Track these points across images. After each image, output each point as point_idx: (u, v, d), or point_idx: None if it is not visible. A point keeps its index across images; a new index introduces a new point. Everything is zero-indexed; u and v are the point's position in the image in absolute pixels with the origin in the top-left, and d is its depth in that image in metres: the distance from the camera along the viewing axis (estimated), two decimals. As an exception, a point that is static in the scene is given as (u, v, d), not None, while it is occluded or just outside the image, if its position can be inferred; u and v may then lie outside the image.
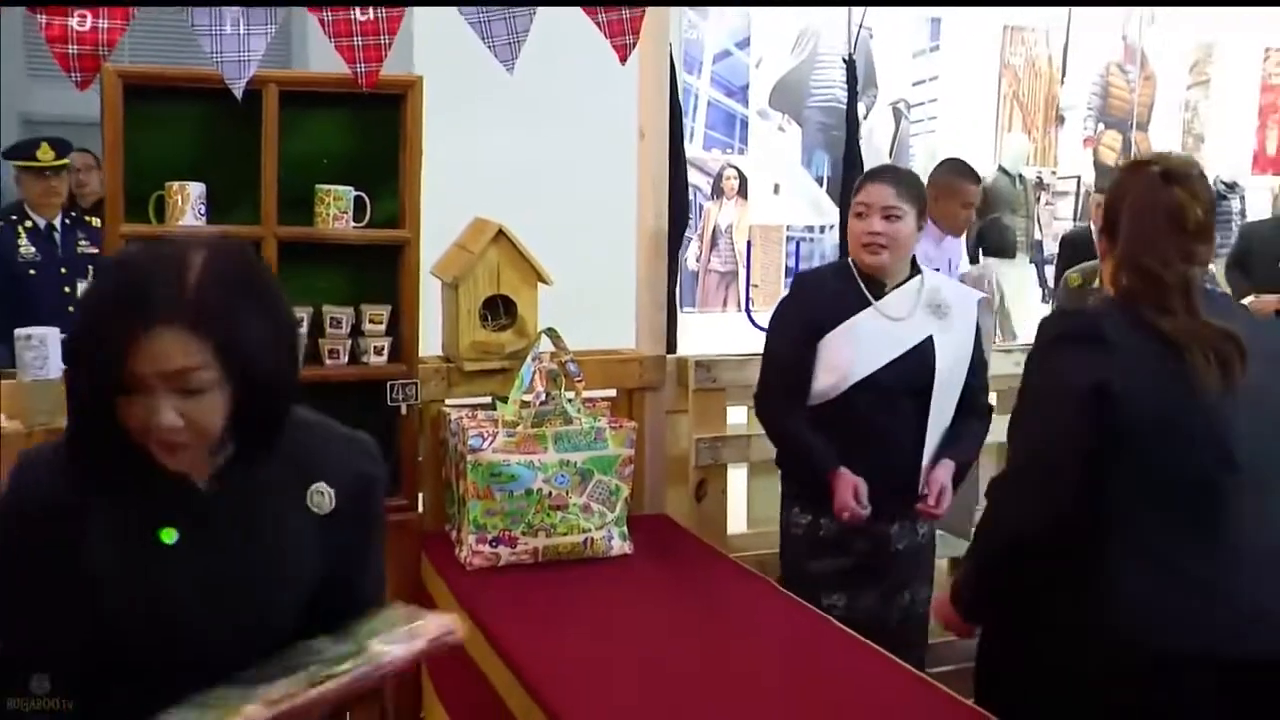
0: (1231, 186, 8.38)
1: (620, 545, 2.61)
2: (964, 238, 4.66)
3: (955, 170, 4.31)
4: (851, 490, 2.53)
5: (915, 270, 2.71)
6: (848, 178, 4.21)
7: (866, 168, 3.35)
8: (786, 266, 7.66)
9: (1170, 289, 1.86)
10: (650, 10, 2.70)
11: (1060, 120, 8.26)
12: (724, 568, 2.62)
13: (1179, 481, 1.84)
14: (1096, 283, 4.40)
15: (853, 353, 2.61)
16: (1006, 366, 3.48)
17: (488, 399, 2.79)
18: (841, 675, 2.04)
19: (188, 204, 2.49)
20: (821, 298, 2.69)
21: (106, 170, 2.48)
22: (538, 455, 2.52)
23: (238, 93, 2.37)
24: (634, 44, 2.64)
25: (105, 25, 2.34)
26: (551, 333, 2.71)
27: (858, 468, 2.56)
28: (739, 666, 2.06)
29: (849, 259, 2.74)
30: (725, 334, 5.87)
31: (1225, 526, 1.82)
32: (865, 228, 2.62)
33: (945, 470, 2.62)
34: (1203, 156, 8.76)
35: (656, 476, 3.02)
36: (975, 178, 4.35)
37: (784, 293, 3.01)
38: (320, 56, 3.58)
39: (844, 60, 4.14)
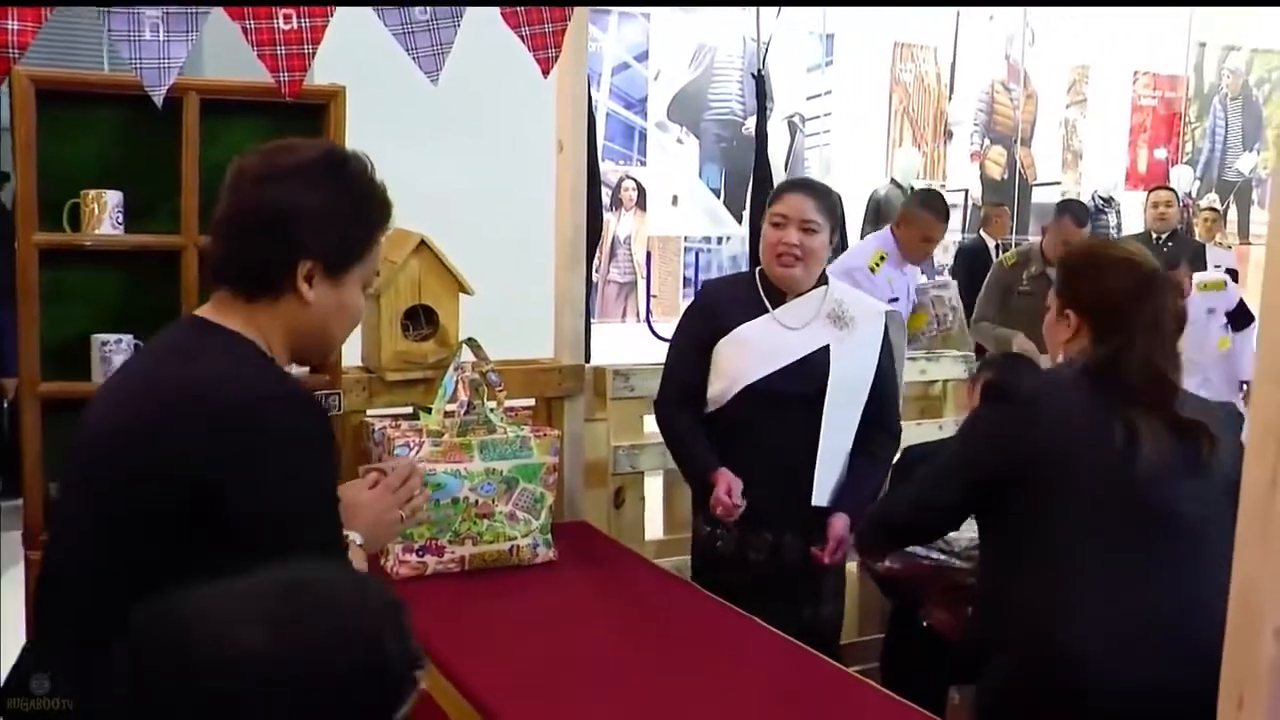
0: (1108, 201, 8.78)
1: (545, 552, 2.65)
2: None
3: (924, 203, 4.40)
4: (726, 487, 2.51)
5: (822, 281, 2.70)
6: (759, 190, 4.30)
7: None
8: (685, 277, 7.78)
9: (1173, 388, 1.99)
10: (570, 23, 2.75)
11: (949, 135, 8.57)
12: (647, 573, 2.67)
13: (1107, 517, 1.94)
14: (1033, 267, 4.71)
15: (743, 359, 2.62)
16: (912, 375, 3.63)
17: (409, 409, 2.80)
18: (771, 674, 2.11)
19: (104, 212, 2.45)
20: (721, 306, 2.69)
21: (18, 177, 2.42)
22: (464, 464, 2.54)
23: (158, 100, 2.35)
24: (557, 56, 2.69)
25: (15, 26, 2.29)
26: (472, 342, 2.74)
27: (747, 474, 2.54)
28: (670, 667, 2.11)
29: (756, 269, 2.74)
30: (625, 344, 5.94)
31: (1159, 562, 1.90)
32: (781, 238, 2.60)
33: (842, 522, 2.59)
34: (1081, 172, 9.19)
35: (575, 484, 3.06)
36: (943, 215, 4.40)
37: (683, 302, 3.05)
38: (216, 65, 3.53)
39: (753, 75, 4.23)
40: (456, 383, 2.62)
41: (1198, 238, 7.70)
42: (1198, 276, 5.54)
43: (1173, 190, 7.25)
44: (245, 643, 0.96)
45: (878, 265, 4.31)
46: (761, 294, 2.67)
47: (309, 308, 1.51)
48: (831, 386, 2.60)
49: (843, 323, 2.65)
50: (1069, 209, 4.85)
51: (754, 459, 2.56)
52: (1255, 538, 1.30)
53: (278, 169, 1.50)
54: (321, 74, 2.61)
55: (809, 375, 2.60)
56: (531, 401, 3.00)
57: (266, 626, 0.98)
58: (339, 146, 1.57)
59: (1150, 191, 7.25)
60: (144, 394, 1.45)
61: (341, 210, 1.51)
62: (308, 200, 1.48)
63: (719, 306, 2.70)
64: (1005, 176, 8.78)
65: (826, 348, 2.62)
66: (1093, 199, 8.42)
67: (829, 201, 2.67)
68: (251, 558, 1.37)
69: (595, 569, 2.69)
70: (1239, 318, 5.49)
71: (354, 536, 1.63)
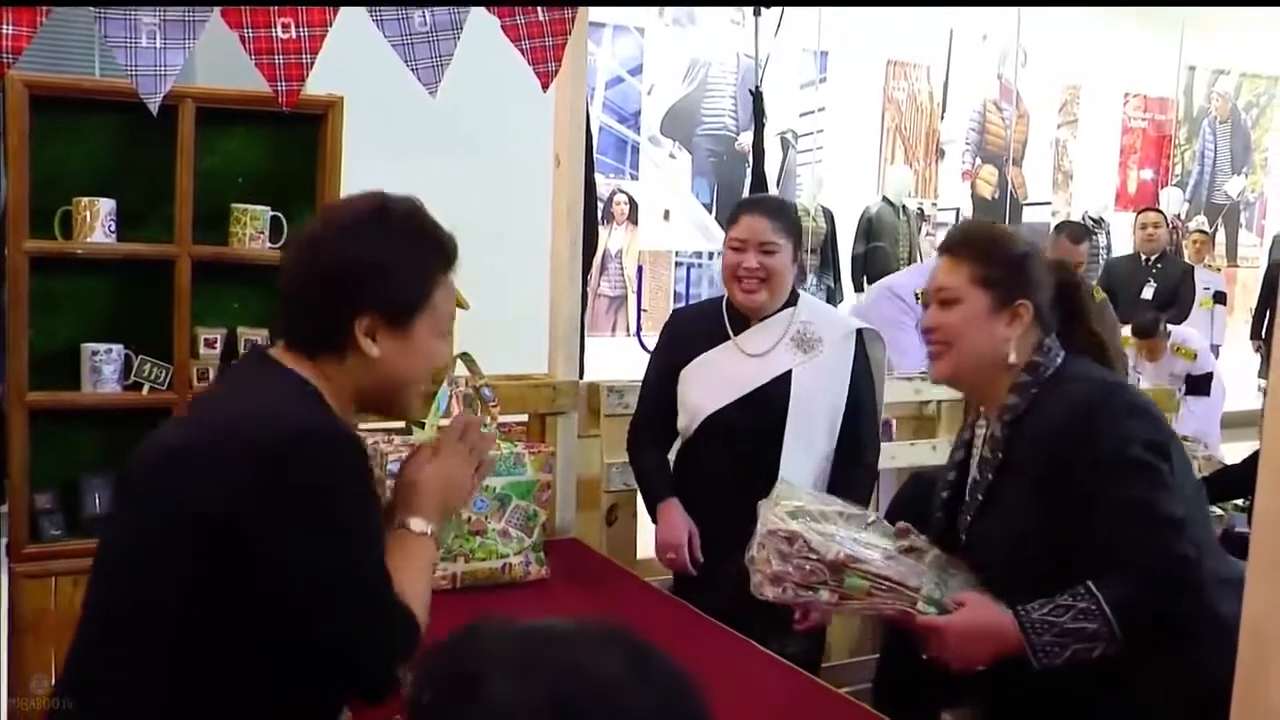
0: (1098, 222, 8.81)
1: (537, 570, 2.62)
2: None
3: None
4: (677, 530, 2.50)
5: (791, 301, 2.61)
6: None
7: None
8: (676, 291, 7.77)
9: None
10: (570, 37, 2.74)
11: (940, 154, 8.58)
12: (641, 592, 2.65)
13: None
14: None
15: (702, 390, 2.58)
16: (906, 395, 3.61)
17: (402, 424, 2.77)
18: (761, 695, 2.09)
19: (97, 220, 2.43)
20: (688, 334, 2.66)
21: (10, 183, 2.40)
22: (457, 480, 2.51)
23: (153, 108, 2.33)
24: (556, 70, 2.67)
25: (10, 31, 2.27)
26: (466, 357, 2.71)
27: (711, 505, 2.50)
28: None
29: (725, 294, 2.67)
30: (615, 358, 5.92)
31: None
32: (741, 261, 2.52)
33: None
34: (1072, 193, 9.23)
35: (568, 501, 3.03)
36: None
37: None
38: (209, 73, 3.50)
39: (751, 92, 4.23)
40: (450, 397, 2.59)
41: (1186, 260, 7.73)
42: (1174, 338, 5.58)
43: (1161, 212, 7.28)
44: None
45: (923, 296, 4.26)
46: (726, 320, 2.61)
47: (377, 362, 1.48)
48: (792, 416, 2.51)
49: (808, 344, 2.56)
50: (1065, 227, 4.97)
51: (717, 491, 2.51)
52: (1266, 572, 1.28)
53: (323, 228, 1.50)
54: (319, 84, 2.59)
55: (769, 405, 2.52)
56: (525, 417, 2.98)
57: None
58: (384, 195, 1.52)
59: (1139, 213, 7.28)
60: (195, 421, 1.47)
61: (390, 260, 1.47)
62: (353, 255, 1.46)
63: (685, 337, 2.66)
64: (996, 196, 8.79)
65: (788, 374, 2.54)
66: (1083, 219, 8.44)
67: (787, 219, 2.58)
68: (271, 594, 1.37)
69: (587, 587, 2.66)
70: (1198, 383, 5.52)
71: (419, 526, 1.56)
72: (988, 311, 1.88)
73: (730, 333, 2.60)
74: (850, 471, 2.57)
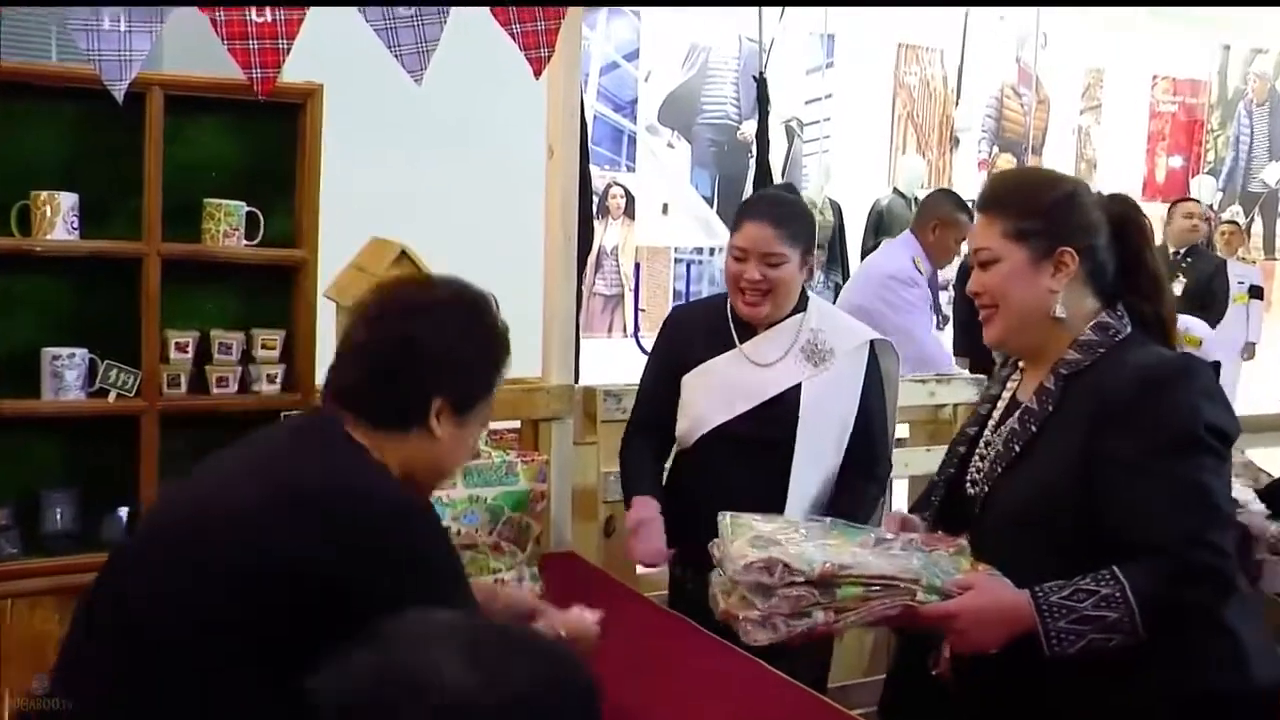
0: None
1: (532, 586, 2.61)
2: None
3: (960, 206, 4.49)
4: (649, 530, 2.51)
5: (800, 306, 2.61)
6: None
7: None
8: (675, 289, 7.78)
9: None
10: (564, 22, 2.73)
11: (955, 142, 8.59)
12: (640, 607, 2.64)
13: None
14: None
15: (707, 399, 2.58)
16: (920, 398, 3.61)
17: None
18: (765, 712, 2.09)
19: (58, 215, 2.41)
20: (690, 335, 2.66)
21: (-35, 177, 2.39)
22: (445, 491, 2.50)
23: (118, 95, 2.31)
24: (549, 56, 2.67)
25: (-37, 18, 2.27)
26: (454, 360, 2.71)
27: (711, 520, 2.35)
28: (663, 704, 2.09)
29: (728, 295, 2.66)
30: (611, 359, 5.93)
31: None
32: (742, 273, 2.51)
33: None
34: (1096, 182, 9.23)
35: (563, 512, 3.03)
36: (971, 213, 4.50)
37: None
38: (176, 59, 3.50)
39: (754, 78, 4.24)
40: (438, 403, 2.59)
41: (1218, 252, 7.72)
42: (1180, 327, 5.55)
43: (1199, 202, 7.26)
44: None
45: (923, 266, 4.38)
46: (731, 325, 2.61)
47: (436, 444, 1.65)
48: (802, 430, 2.53)
49: (819, 356, 2.57)
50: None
51: (718, 504, 2.37)
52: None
53: (416, 305, 1.67)
54: (296, 71, 2.58)
55: (778, 418, 2.53)
56: (517, 424, 2.98)
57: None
58: (471, 286, 1.71)
59: (1177, 203, 7.25)
60: (269, 480, 1.55)
61: (474, 352, 1.67)
62: (444, 340, 1.63)
63: (686, 338, 2.66)
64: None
65: (798, 387, 2.55)
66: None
67: (795, 225, 2.54)
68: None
69: (586, 604, 2.65)
70: None
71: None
72: (1027, 265, 1.85)
73: (736, 339, 2.59)
74: (862, 487, 2.58)
